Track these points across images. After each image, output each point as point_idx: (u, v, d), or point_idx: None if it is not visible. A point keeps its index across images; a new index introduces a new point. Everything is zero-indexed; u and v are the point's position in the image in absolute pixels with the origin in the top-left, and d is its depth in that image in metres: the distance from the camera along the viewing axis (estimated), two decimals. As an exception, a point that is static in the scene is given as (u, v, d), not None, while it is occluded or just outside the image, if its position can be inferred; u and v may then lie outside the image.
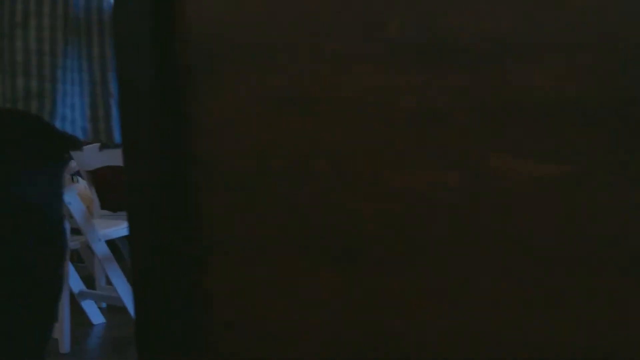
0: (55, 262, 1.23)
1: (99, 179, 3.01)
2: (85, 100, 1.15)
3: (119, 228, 2.67)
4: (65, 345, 2.56)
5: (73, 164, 2.94)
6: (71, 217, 2.47)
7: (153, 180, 0.91)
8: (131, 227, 0.93)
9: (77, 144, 1.20)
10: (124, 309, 2.63)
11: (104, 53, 1.16)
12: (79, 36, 1.13)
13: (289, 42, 0.81)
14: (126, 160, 0.93)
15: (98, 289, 3.05)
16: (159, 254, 0.89)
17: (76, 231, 2.62)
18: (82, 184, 3.40)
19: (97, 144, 1.93)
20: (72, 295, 2.73)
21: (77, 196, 2.44)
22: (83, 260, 3.36)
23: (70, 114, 1.12)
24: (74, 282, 2.79)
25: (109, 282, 2.78)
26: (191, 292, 0.89)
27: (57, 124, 1.10)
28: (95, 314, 2.90)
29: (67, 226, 2.60)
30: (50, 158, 1.19)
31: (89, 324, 2.87)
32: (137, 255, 0.93)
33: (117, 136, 1.17)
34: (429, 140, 0.72)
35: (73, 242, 2.70)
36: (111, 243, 2.81)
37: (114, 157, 2.20)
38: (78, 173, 3.36)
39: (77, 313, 2.81)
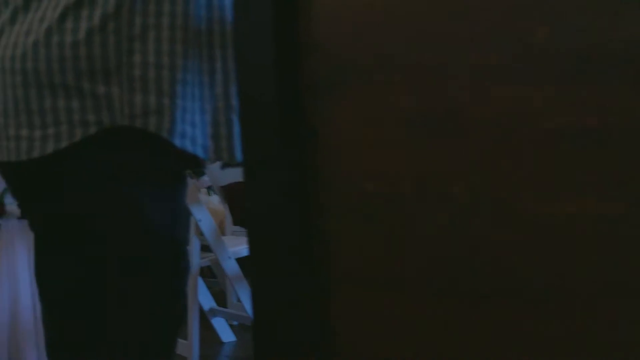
0: (176, 284, 1.17)
1: (232, 194, 3.00)
2: (206, 117, 1.08)
3: (250, 245, 2.62)
4: (194, 363, 2.55)
5: (206, 179, 2.94)
6: (201, 234, 2.45)
7: (276, 201, 0.83)
8: (252, 250, 0.86)
9: (198, 163, 1.13)
10: (254, 328, 2.57)
11: (226, 66, 1.09)
12: (200, 49, 1.06)
13: (420, 56, 0.71)
14: (247, 180, 0.86)
15: (229, 306, 3.03)
16: (281, 279, 0.82)
17: (207, 248, 2.60)
18: (217, 199, 3.41)
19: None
20: (202, 311, 2.71)
21: (207, 213, 2.41)
22: (215, 275, 3.36)
23: (191, 131, 1.05)
24: (205, 298, 2.77)
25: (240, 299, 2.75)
26: (314, 320, 0.81)
27: (177, 142, 1.03)
28: (225, 332, 2.88)
29: (197, 244, 2.60)
30: (169, 177, 1.12)
31: (219, 342, 2.85)
32: (258, 280, 0.86)
33: (238, 154, 1.09)
34: (583, 165, 0.60)
35: (203, 260, 2.69)
36: (243, 259, 2.78)
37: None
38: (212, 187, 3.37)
39: (207, 329, 2.79)
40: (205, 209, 2.41)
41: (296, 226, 0.81)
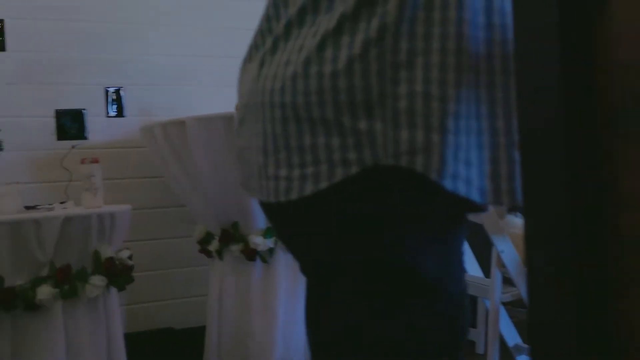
0: (449, 340, 1.03)
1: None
2: (484, 154, 0.92)
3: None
4: (493, 404, 2.37)
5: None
6: (503, 266, 2.26)
7: (561, 258, 0.68)
8: (530, 337, 0.70)
9: (474, 206, 0.97)
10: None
11: (508, 96, 0.92)
12: (476, 75, 0.91)
13: None
14: (529, 230, 0.72)
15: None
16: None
17: (511, 281, 2.41)
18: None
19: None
20: (503, 346, 2.53)
21: (510, 244, 2.21)
22: (525, 305, 3.14)
23: (465, 171, 0.90)
24: (509, 334, 2.57)
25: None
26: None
27: (447, 184, 0.89)
28: (531, 371, 2.65)
29: (499, 277, 2.42)
30: (440, 221, 0.98)
31: (524, 381, 2.64)
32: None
33: (519, 197, 0.92)
34: None
35: (505, 294, 2.49)
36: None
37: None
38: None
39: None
40: (509, 240, 2.21)
41: (586, 292, 0.64)
